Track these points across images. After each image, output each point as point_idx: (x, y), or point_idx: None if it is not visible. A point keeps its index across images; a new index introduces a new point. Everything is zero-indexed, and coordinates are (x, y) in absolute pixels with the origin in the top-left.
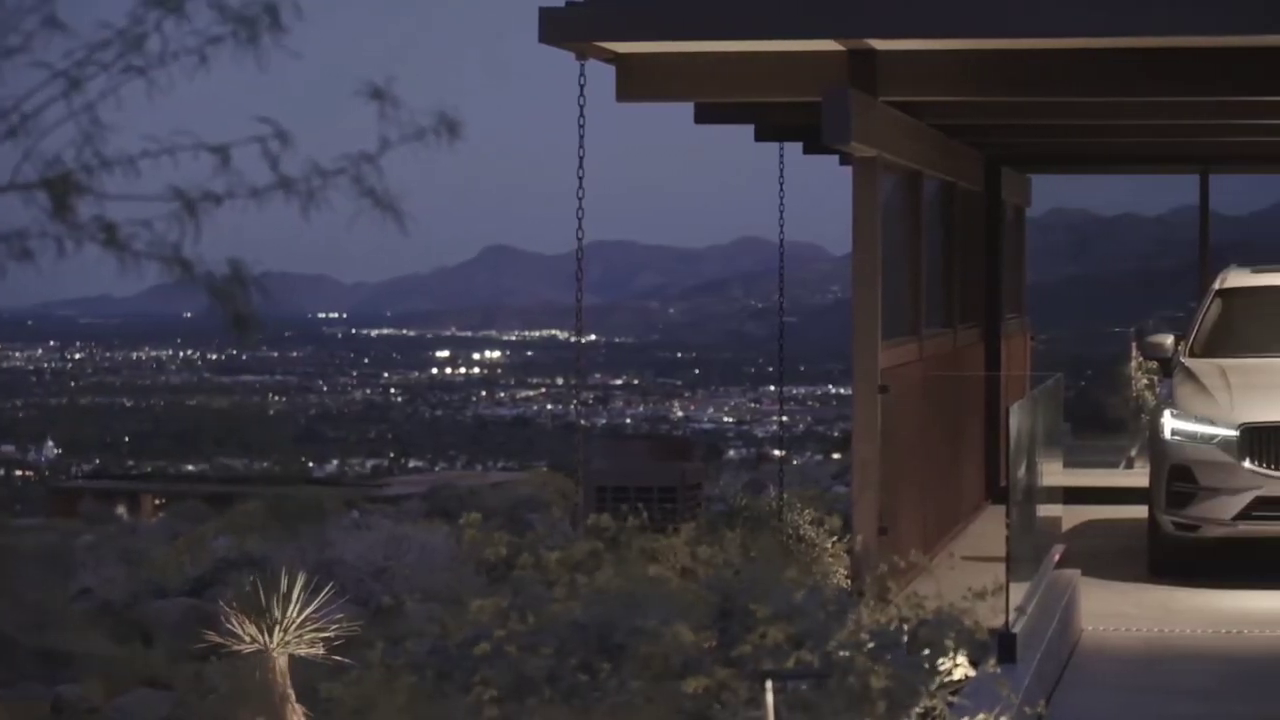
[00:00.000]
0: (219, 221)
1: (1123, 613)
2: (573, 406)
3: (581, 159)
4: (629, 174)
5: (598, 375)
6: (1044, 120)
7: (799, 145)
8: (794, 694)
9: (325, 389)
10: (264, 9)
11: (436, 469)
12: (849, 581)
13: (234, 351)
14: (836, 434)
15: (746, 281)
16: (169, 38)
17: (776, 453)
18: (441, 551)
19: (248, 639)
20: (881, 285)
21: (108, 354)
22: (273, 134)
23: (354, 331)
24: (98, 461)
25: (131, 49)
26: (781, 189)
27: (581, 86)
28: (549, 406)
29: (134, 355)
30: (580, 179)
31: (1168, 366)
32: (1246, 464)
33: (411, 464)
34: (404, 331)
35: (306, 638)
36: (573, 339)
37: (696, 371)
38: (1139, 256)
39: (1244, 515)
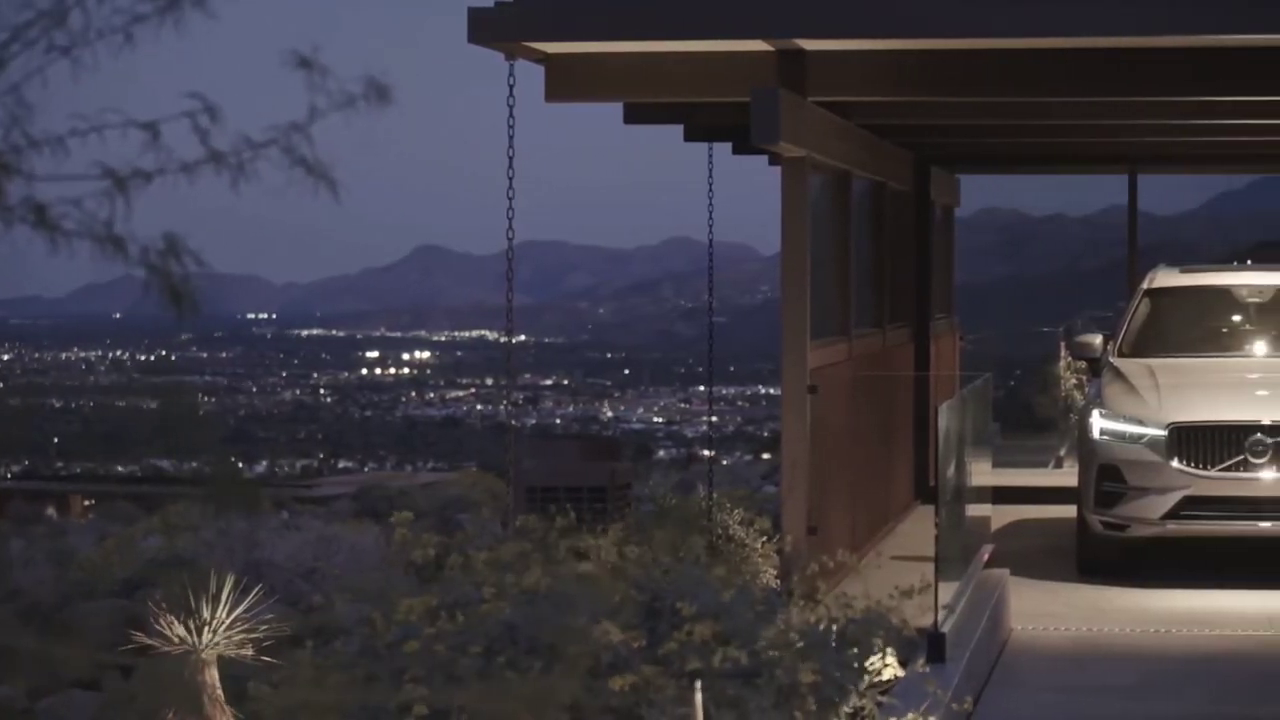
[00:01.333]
0: (147, 221)
1: (1051, 612)
2: (503, 407)
3: (511, 159)
4: (560, 174)
5: (528, 375)
6: (973, 120)
7: (728, 145)
8: (722, 693)
9: (255, 389)
10: None
11: (366, 469)
12: (778, 581)
13: (163, 352)
14: (766, 434)
15: (676, 282)
16: (93, 14)
17: (706, 453)
18: (371, 552)
19: (176, 640)
20: (810, 285)
21: (36, 354)
22: (202, 108)
23: (284, 332)
24: (26, 463)
25: (55, 26)
26: (711, 189)
27: (510, 87)
28: (479, 407)
29: (63, 356)
30: (510, 179)
31: (1096, 366)
32: (1175, 463)
33: (341, 464)
34: (334, 332)
35: (236, 638)
36: (503, 339)
37: (626, 372)
38: (1068, 256)
39: (1172, 515)
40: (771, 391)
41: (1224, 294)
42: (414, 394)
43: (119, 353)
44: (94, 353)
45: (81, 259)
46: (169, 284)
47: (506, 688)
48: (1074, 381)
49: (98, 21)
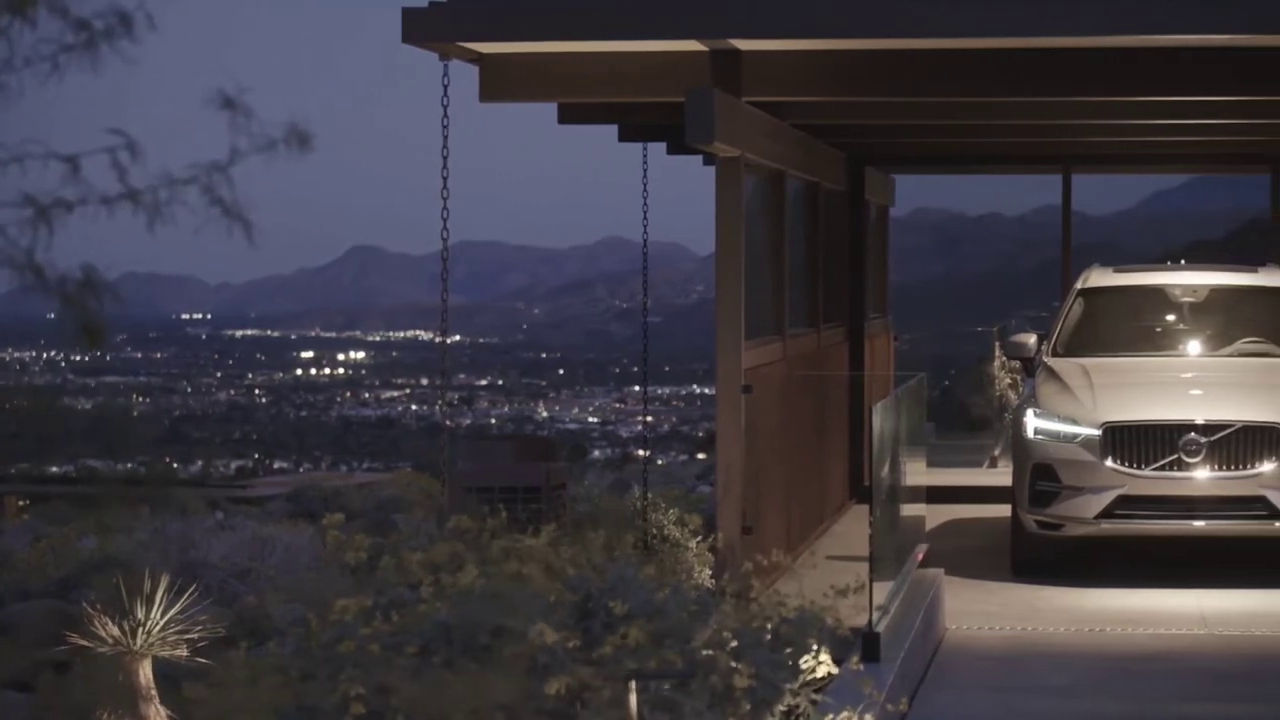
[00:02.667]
0: (83, 222)
1: (986, 611)
2: (437, 407)
3: (446, 159)
4: (495, 174)
5: (462, 376)
6: (907, 120)
7: (663, 145)
8: (657, 693)
9: (189, 390)
10: (117, 19)
11: (301, 470)
12: (713, 581)
13: (98, 353)
14: (701, 434)
15: (611, 282)
16: (18, 44)
17: (641, 453)
18: (306, 552)
19: (111, 640)
20: (745, 285)
21: None
22: (123, 144)
23: (219, 332)
24: None
25: None
26: (645, 189)
27: (445, 87)
28: (414, 407)
29: None
30: (445, 179)
31: (1031, 366)
32: (1109, 463)
33: (276, 465)
34: (269, 332)
35: (170, 639)
36: (437, 339)
37: (561, 372)
38: (1003, 256)
39: (1106, 514)
40: (706, 391)
41: (1158, 294)
42: (349, 394)
43: (53, 353)
44: (28, 353)
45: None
46: (83, 317)
47: (444, 689)
48: (1008, 381)
49: (24, 50)
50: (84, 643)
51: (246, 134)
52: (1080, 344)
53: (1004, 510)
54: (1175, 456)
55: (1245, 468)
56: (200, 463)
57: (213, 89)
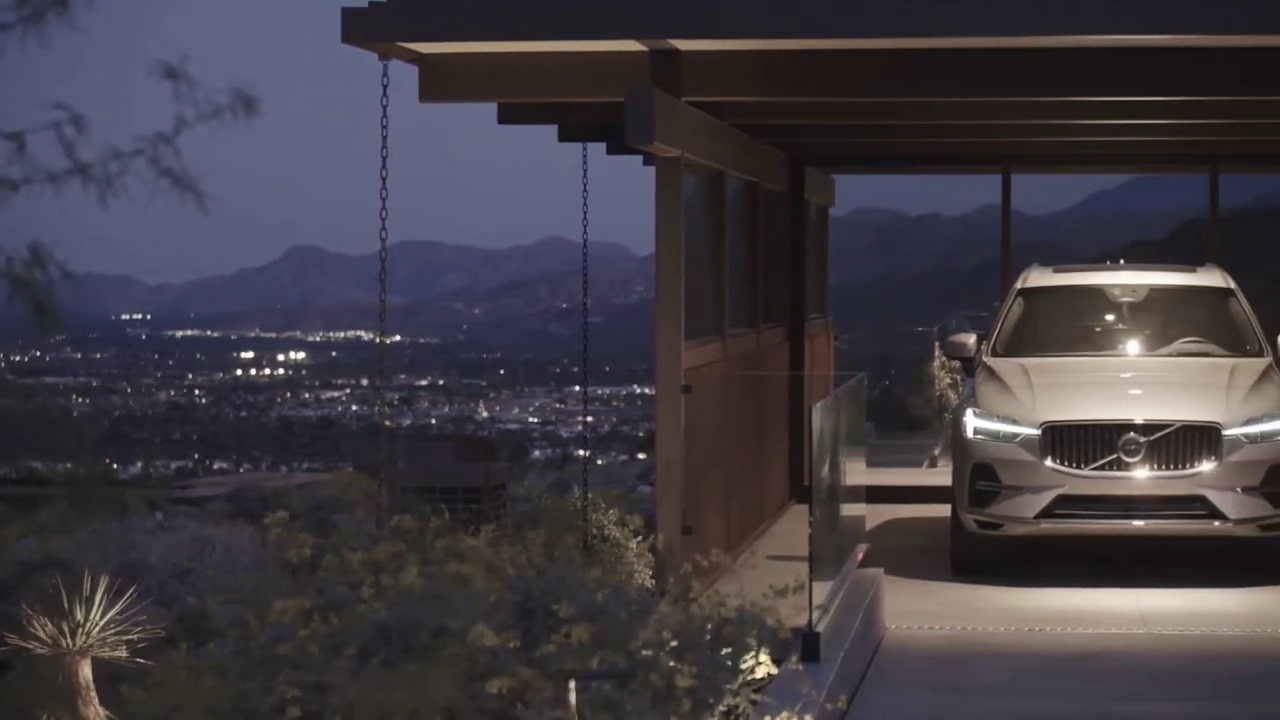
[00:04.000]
0: (18, 219)
1: (926, 611)
2: (377, 407)
3: (385, 159)
4: (434, 174)
5: (402, 376)
6: (847, 120)
7: (603, 145)
8: (597, 694)
9: (129, 390)
10: None
11: (241, 470)
12: (653, 581)
13: (37, 353)
14: (641, 434)
15: (551, 282)
16: None
17: (581, 453)
18: (246, 553)
19: (50, 641)
20: (685, 285)
21: None
22: (68, 119)
23: (158, 333)
24: None
25: None
26: (585, 189)
27: (384, 87)
28: (354, 407)
29: None
30: (384, 179)
31: (970, 366)
32: (1048, 462)
33: (216, 465)
34: (208, 333)
35: (110, 640)
36: (377, 339)
37: (501, 372)
38: (943, 256)
39: (1046, 514)
40: (646, 391)
41: (1097, 293)
42: (289, 395)
43: None
44: None
45: None
46: (33, 296)
47: (385, 689)
48: (948, 381)
49: None
50: (23, 644)
51: (191, 103)
52: (1020, 344)
53: (944, 510)
54: (1114, 456)
55: (1184, 467)
56: (140, 463)
57: (156, 61)
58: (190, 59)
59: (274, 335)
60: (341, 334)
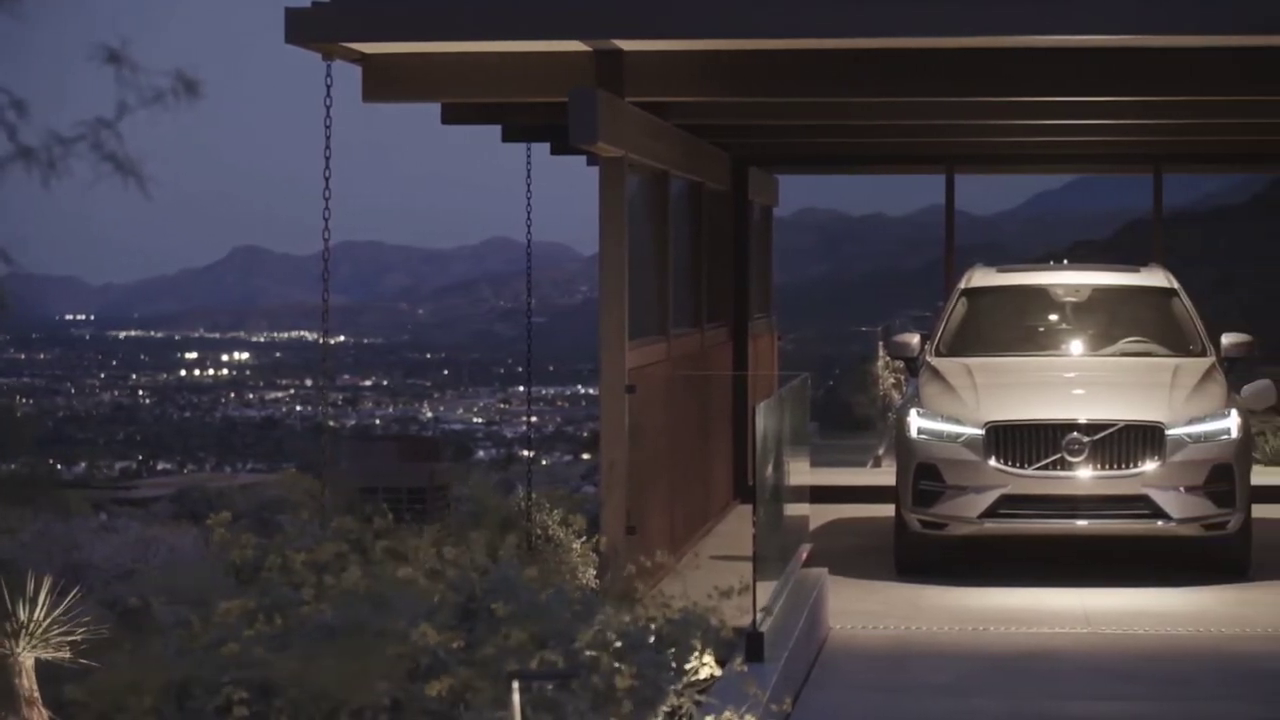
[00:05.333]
0: None
1: (870, 611)
2: (321, 408)
3: (328, 160)
4: (379, 174)
5: (346, 376)
6: (790, 120)
7: (547, 145)
8: (539, 694)
9: (73, 391)
10: None
11: (185, 471)
12: (597, 582)
13: None
14: (585, 434)
15: (495, 282)
16: None
17: (525, 453)
18: (190, 553)
19: None
20: (629, 285)
21: None
22: (9, 103)
23: (102, 333)
24: None
25: None
26: (529, 190)
27: (328, 87)
28: (298, 408)
29: None
30: (327, 180)
31: (914, 366)
32: (992, 462)
33: (160, 466)
34: (152, 333)
35: (53, 640)
36: (321, 340)
37: (446, 372)
38: (887, 256)
39: (990, 513)
40: (591, 392)
41: (1040, 293)
42: (233, 395)
43: None
44: None
45: None
46: None
47: (322, 667)
48: (892, 381)
49: None
50: None
51: (134, 87)
52: (963, 344)
53: (888, 510)
54: (1058, 456)
55: (1127, 467)
56: (84, 464)
57: (99, 45)
58: (134, 44)
59: (218, 336)
60: (285, 334)
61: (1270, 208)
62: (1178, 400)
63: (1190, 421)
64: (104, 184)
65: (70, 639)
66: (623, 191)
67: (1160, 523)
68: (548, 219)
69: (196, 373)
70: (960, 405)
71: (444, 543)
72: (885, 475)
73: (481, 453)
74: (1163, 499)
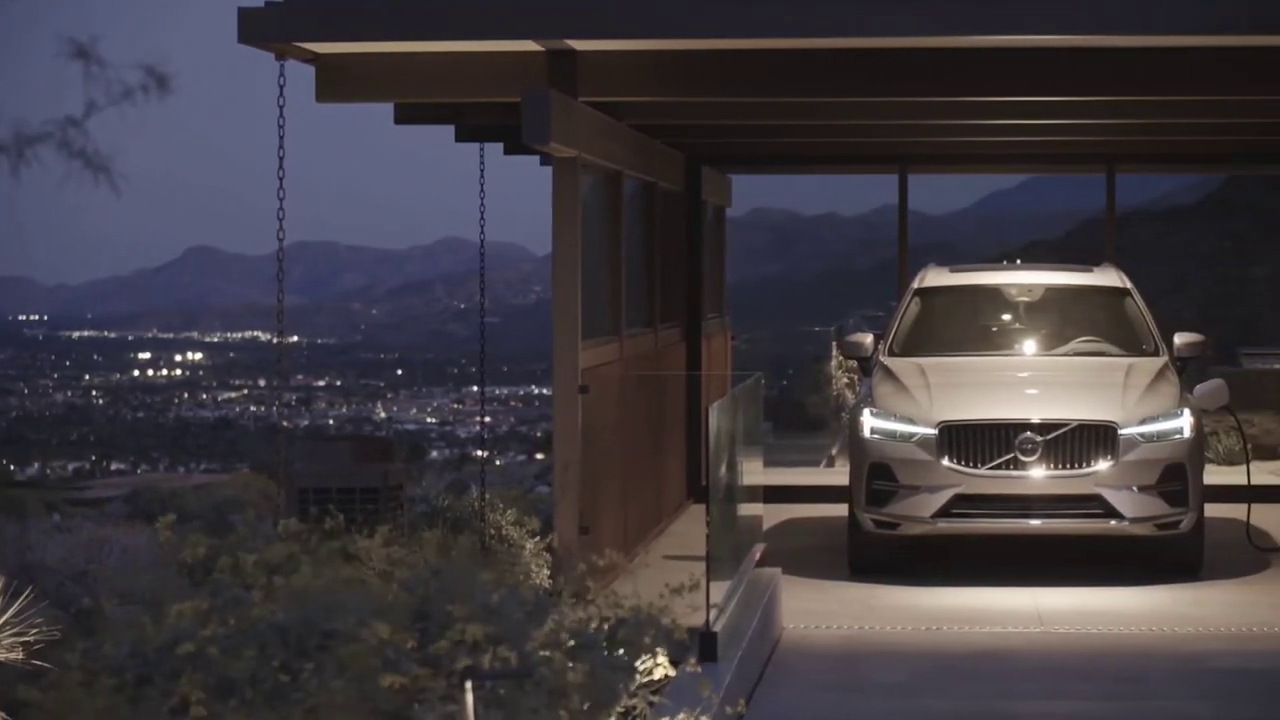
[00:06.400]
0: None
1: (823, 610)
2: (274, 408)
3: (282, 160)
4: (331, 174)
5: (300, 376)
6: (743, 120)
7: (500, 146)
8: (492, 693)
9: (26, 391)
10: None
11: (139, 471)
12: (550, 582)
13: None
14: (539, 434)
15: (449, 282)
16: None
17: (479, 453)
18: (144, 554)
19: None
20: (582, 285)
21: None
22: None
23: (55, 333)
24: None
25: None
26: (482, 190)
27: (281, 87)
28: (251, 408)
29: None
30: (281, 180)
31: (867, 365)
32: (945, 462)
33: (114, 466)
34: (105, 333)
35: (5, 641)
36: (275, 340)
37: (399, 372)
38: (840, 256)
39: (943, 513)
40: (544, 392)
41: (993, 293)
42: (186, 395)
43: None
44: None
45: None
46: None
47: (289, 705)
48: (845, 381)
49: None
50: None
51: (103, 83)
52: (917, 343)
53: (841, 510)
54: (1011, 455)
55: (1080, 466)
56: (37, 464)
57: (67, 39)
58: (106, 40)
59: (171, 336)
60: (239, 334)
61: (1223, 208)
62: (1130, 400)
63: (1143, 421)
64: (71, 181)
65: (23, 640)
66: (576, 192)
67: (1113, 522)
68: (501, 219)
69: (150, 373)
70: (913, 405)
71: (395, 543)
72: (838, 475)
73: (435, 453)
74: (1116, 498)
